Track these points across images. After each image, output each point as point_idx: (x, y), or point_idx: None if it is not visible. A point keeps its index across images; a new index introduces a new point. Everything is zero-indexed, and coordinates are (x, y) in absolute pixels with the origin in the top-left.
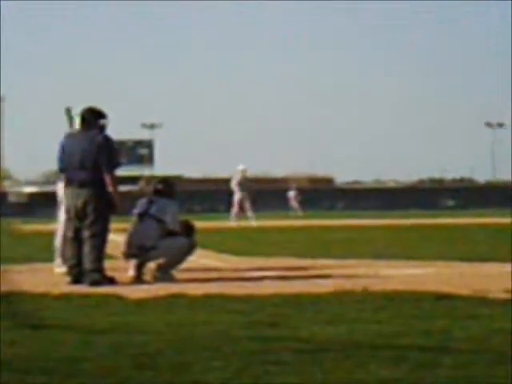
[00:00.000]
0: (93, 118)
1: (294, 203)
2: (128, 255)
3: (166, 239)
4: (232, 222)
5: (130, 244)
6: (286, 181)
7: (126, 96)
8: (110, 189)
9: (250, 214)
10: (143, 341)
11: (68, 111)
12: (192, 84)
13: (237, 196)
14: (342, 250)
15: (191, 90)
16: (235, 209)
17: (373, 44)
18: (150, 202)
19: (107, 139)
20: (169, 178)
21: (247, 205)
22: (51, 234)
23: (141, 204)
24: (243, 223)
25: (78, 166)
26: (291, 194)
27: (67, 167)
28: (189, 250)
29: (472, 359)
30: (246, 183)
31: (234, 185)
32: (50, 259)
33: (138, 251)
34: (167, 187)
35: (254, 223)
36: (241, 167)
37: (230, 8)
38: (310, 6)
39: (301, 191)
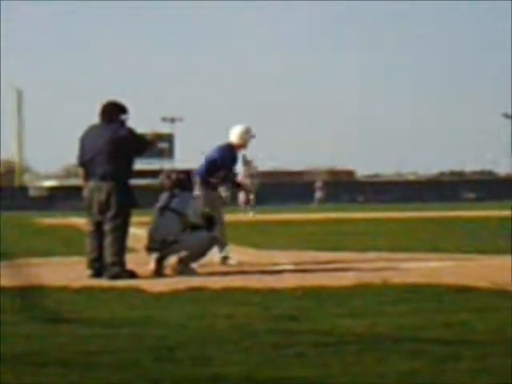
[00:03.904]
0: (114, 112)
1: (319, 194)
2: (150, 249)
3: (187, 233)
4: (247, 214)
5: (151, 238)
6: (306, 174)
7: (146, 90)
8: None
9: (250, 206)
10: (163, 334)
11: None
12: (212, 78)
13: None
14: (362, 242)
15: (212, 84)
16: (243, 200)
17: (390, 36)
18: (171, 196)
19: (131, 131)
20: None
21: (249, 196)
22: (70, 228)
23: (162, 198)
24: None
25: (100, 160)
26: (318, 184)
27: (88, 161)
28: (210, 243)
29: (492, 351)
30: (253, 176)
31: (241, 177)
32: (69, 253)
33: (159, 245)
34: (188, 180)
35: (251, 214)
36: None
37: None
38: None
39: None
